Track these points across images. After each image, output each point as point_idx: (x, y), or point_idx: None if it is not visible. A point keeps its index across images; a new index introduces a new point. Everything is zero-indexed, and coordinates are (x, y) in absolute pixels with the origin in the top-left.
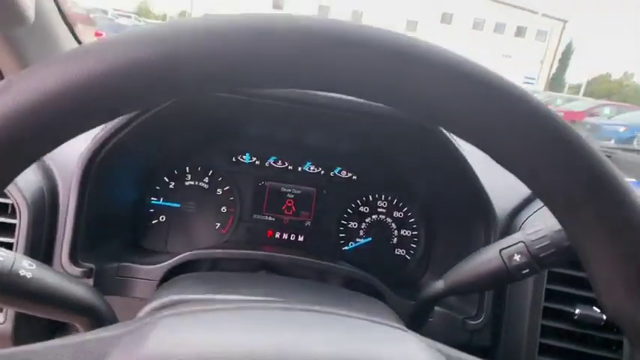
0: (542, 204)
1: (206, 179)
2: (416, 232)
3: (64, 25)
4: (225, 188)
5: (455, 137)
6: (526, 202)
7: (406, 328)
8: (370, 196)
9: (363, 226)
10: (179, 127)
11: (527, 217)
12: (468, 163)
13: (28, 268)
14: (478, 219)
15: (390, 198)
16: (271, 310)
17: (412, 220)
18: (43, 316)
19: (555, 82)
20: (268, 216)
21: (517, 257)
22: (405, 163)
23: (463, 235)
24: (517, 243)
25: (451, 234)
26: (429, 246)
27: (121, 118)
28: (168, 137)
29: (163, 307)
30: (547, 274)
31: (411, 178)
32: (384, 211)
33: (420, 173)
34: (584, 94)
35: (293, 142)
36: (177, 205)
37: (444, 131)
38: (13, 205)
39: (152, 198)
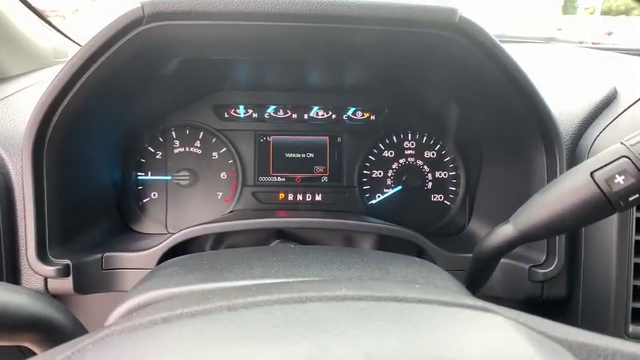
0: (609, 119)
1: (197, 143)
2: (454, 173)
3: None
4: (222, 150)
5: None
6: (587, 122)
7: (496, 309)
8: (394, 138)
9: (389, 174)
10: (149, 83)
11: (595, 137)
12: (521, 71)
13: None
14: (536, 143)
15: (418, 136)
16: (285, 305)
17: (448, 158)
18: None
19: (569, 5)
20: (276, 176)
21: (620, 179)
22: (436, 88)
23: (516, 168)
24: (617, 159)
25: (499, 168)
26: (471, 187)
27: (66, 73)
28: (140, 96)
29: (136, 309)
30: None
31: (443, 107)
32: (412, 152)
33: (455, 98)
34: (602, 14)
35: (294, 83)
36: (169, 178)
37: (490, 35)
38: None
39: (138, 173)
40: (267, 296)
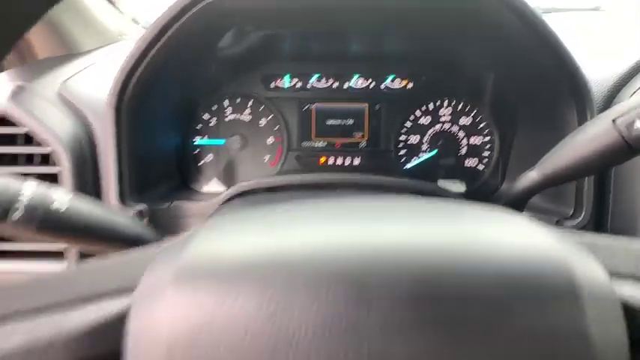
0: None
1: (247, 111)
2: (488, 138)
3: None
4: (269, 118)
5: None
6: (620, 86)
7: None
8: (431, 104)
9: (425, 140)
10: (208, 54)
11: (631, 95)
12: (552, 32)
13: (62, 200)
14: (568, 105)
15: (454, 103)
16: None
17: (483, 124)
18: (88, 249)
19: None
20: (318, 141)
21: (638, 124)
22: (472, 54)
23: (548, 130)
24: (637, 107)
25: (533, 132)
26: (504, 151)
27: (141, 45)
28: (199, 66)
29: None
30: None
31: (479, 74)
32: (448, 118)
33: (491, 64)
34: None
35: (335, 53)
36: (222, 142)
37: None
38: (52, 154)
39: (195, 138)
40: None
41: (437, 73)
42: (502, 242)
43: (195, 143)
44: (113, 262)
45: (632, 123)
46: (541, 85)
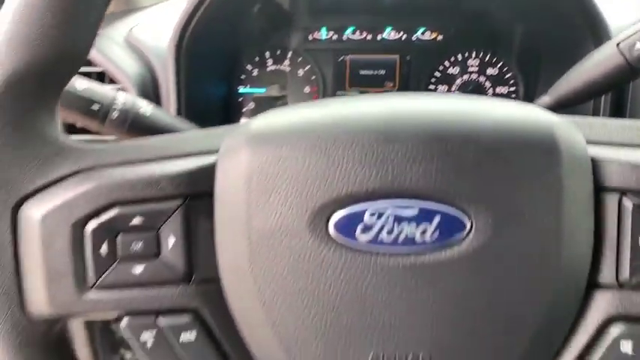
0: None
1: (286, 62)
2: (514, 89)
3: None
4: (306, 68)
5: None
6: None
7: None
8: (459, 56)
9: (453, 89)
10: (252, 8)
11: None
12: None
13: (146, 107)
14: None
15: (482, 54)
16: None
17: (509, 75)
18: None
19: None
20: (351, 91)
21: (639, 45)
22: (499, 6)
23: None
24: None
25: (556, 79)
26: (529, 100)
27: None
28: (244, 20)
29: None
30: None
31: (506, 26)
32: (476, 69)
33: (519, 15)
34: None
35: (369, 7)
36: (263, 91)
37: None
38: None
39: (239, 87)
40: None
41: (466, 25)
42: (502, 109)
43: (239, 92)
44: (196, 134)
45: (634, 45)
46: (565, 36)
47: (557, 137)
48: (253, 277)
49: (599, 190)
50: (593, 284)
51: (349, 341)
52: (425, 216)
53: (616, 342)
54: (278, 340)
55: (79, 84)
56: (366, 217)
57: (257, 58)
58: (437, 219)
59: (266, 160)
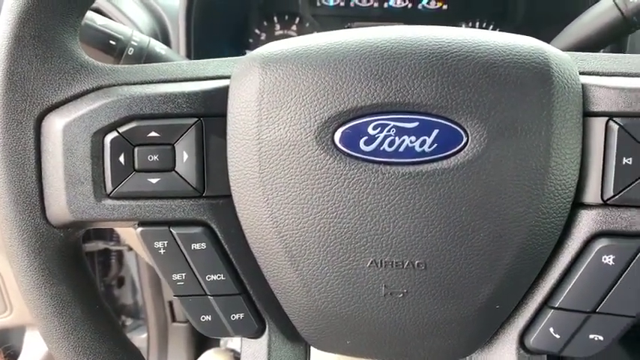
0: None
1: (294, 27)
2: None
3: None
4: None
5: None
6: None
7: None
8: (463, 25)
9: None
10: None
11: None
12: None
13: (161, 46)
14: None
15: (485, 24)
16: None
17: None
18: None
19: None
20: None
21: None
22: None
23: None
24: None
25: None
26: None
27: None
28: None
29: None
30: None
31: None
32: None
33: None
34: None
35: None
36: None
37: None
38: None
39: (247, 50)
40: None
41: None
42: (502, 36)
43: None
44: (213, 61)
45: None
46: (565, 10)
47: (550, 61)
48: (262, 188)
49: (589, 114)
50: (579, 204)
51: (350, 247)
52: (424, 128)
53: (598, 255)
54: (283, 248)
55: (99, 19)
56: (370, 129)
57: (265, 23)
58: (435, 131)
59: (276, 78)
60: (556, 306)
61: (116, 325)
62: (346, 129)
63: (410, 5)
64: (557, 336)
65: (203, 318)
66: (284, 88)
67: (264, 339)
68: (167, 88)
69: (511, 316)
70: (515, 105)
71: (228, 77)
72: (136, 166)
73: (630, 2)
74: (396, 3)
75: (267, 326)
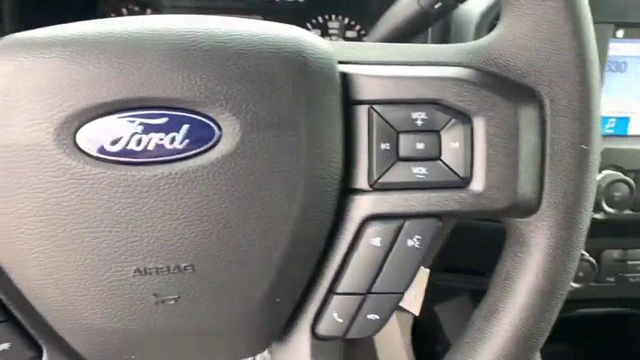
0: None
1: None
2: None
3: None
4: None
5: None
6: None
7: None
8: (320, 18)
9: None
10: None
11: None
12: None
13: None
14: None
15: (341, 18)
16: None
17: (365, 38)
18: None
19: None
20: None
21: None
22: None
23: None
24: None
25: None
26: None
27: None
28: None
29: None
30: None
31: None
32: (336, 32)
33: None
34: None
35: None
36: None
37: None
38: None
39: None
40: None
41: None
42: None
43: None
44: None
45: None
46: None
47: (305, 51)
48: (3, 203)
49: (354, 102)
50: (351, 190)
51: (110, 258)
52: (173, 124)
53: (367, 238)
54: (37, 265)
55: None
56: (115, 127)
57: (113, 15)
58: (185, 127)
59: (6, 73)
60: (337, 291)
61: None
62: (89, 129)
63: None
64: (340, 320)
65: None
66: (15, 84)
67: None
68: None
69: (302, 306)
70: (268, 97)
71: None
72: None
73: None
74: None
75: (44, 352)
